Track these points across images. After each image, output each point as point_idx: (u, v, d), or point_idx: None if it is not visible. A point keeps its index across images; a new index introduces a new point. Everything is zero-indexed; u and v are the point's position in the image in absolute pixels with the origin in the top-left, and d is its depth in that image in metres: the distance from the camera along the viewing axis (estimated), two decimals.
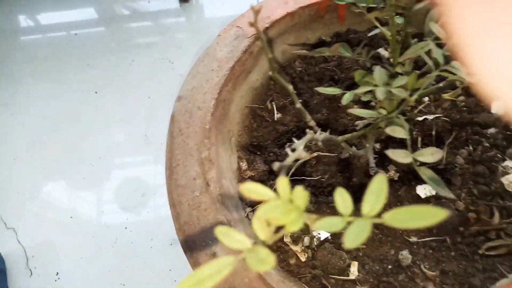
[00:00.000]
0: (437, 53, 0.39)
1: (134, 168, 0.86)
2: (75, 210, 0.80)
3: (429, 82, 0.44)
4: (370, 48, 0.60)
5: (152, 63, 0.95)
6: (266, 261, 0.19)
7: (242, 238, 0.21)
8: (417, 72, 0.41)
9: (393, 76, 0.48)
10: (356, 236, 0.20)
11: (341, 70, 0.60)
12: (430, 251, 0.51)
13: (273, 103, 0.61)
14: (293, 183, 0.54)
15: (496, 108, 0.57)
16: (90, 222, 0.78)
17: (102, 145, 0.87)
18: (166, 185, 0.52)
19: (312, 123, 0.42)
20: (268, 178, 0.55)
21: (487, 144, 0.54)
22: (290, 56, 0.65)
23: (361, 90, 0.37)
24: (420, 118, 0.56)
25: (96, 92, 0.93)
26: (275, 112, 0.60)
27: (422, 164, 0.36)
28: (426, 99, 0.58)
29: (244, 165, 0.56)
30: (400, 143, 0.55)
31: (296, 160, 0.55)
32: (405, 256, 0.50)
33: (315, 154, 0.55)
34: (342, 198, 0.23)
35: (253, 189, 0.21)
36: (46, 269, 0.73)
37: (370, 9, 0.48)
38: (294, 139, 0.34)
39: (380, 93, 0.35)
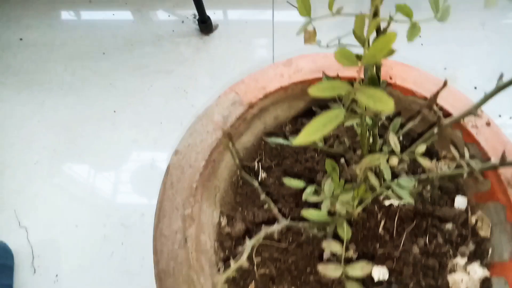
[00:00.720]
0: (385, 169, 0.45)
1: (137, 190, 0.94)
2: (80, 221, 0.90)
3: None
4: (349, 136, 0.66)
5: (168, 91, 1.04)
6: None
7: None
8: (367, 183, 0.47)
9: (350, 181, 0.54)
10: None
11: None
12: None
13: (259, 163, 0.68)
14: (265, 247, 0.61)
15: (459, 203, 0.62)
16: (92, 234, 0.88)
17: (114, 162, 0.97)
18: (153, 232, 0.60)
19: (275, 210, 0.48)
20: (243, 236, 0.62)
21: (442, 239, 0.59)
22: (282, 120, 0.71)
23: (310, 198, 0.44)
24: (387, 203, 0.61)
25: (114, 111, 1.02)
26: (261, 172, 0.67)
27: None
28: None
29: (224, 221, 0.63)
30: (368, 228, 0.61)
31: (267, 223, 0.62)
32: None
33: (285, 223, 0.61)
34: None
35: None
36: (47, 269, 0.83)
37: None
38: (247, 240, 0.41)
39: (324, 207, 0.42)
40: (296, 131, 0.70)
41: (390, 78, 0.66)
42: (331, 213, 0.49)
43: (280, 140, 0.56)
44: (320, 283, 0.58)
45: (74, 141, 0.98)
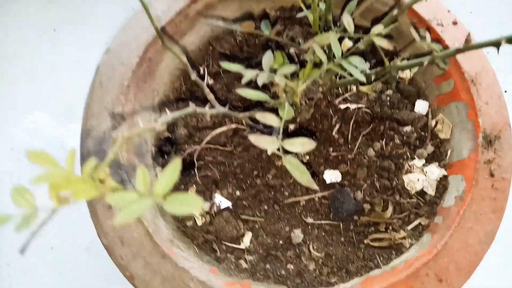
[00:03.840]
0: (335, 46, 0.39)
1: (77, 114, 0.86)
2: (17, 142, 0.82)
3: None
4: (301, 28, 0.59)
5: (116, 8, 0.93)
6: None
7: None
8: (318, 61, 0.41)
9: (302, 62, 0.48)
10: (132, 211, 0.22)
11: (277, 45, 0.60)
12: (323, 233, 0.53)
13: (206, 69, 0.61)
14: (208, 151, 0.55)
15: (419, 107, 0.57)
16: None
17: (53, 85, 0.88)
18: (80, 138, 0.53)
19: (210, 96, 0.42)
20: (184, 142, 0.56)
21: (399, 141, 0.55)
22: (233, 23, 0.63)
23: (249, 74, 0.38)
24: (342, 106, 0.56)
25: (54, 30, 0.92)
26: (206, 77, 0.60)
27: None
28: (354, 88, 0.58)
29: (163, 126, 0.57)
30: (321, 131, 0.56)
31: (212, 128, 0.56)
32: (297, 234, 0.52)
33: (233, 126, 0.56)
34: (142, 176, 0.24)
35: (40, 156, 0.21)
36: None
37: None
38: (167, 110, 0.34)
39: (260, 79, 0.36)
40: (250, 38, 0.63)
41: None
42: (275, 96, 0.43)
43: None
44: (267, 186, 0.54)
45: (10, 63, 0.88)
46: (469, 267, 0.48)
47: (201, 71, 0.61)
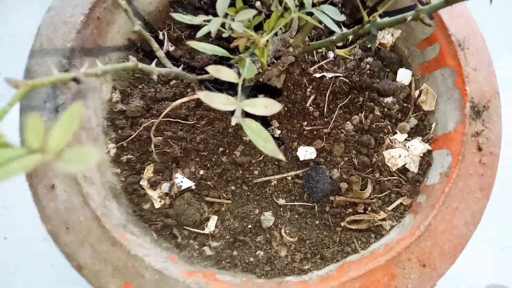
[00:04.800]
0: None
1: None
2: None
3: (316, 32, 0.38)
4: None
5: None
6: None
7: None
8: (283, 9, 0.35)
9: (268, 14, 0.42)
10: (10, 170, 0.16)
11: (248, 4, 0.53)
12: (296, 216, 0.48)
13: (166, 34, 0.54)
14: (168, 125, 0.49)
15: (402, 76, 0.52)
16: None
17: (5, 62, 0.79)
18: (19, 111, 0.46)
19: (160, 53, 0.36)
20: (141, 115, 0.49)
21: (379, 114, 0.50)
22: None
23: (196, 20, 0.31)
24: (318, 75, 0.50)
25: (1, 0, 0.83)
26: (167, 43, 0.54)
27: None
28: (331, 55, 0.52)
29: (116, 96, 0.50)
30: (294, 102, 0.50)
31: (172, 100, 0.49)
32: (268, 217, 0.47)
33: (196, 96, 0.49)
34: (34, 127, 0.17)
35: None
36: None
37: None
38: (98, 62, 0.28)
39: (213, 25, 0.30)
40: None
41: None
42: (236, 52, 0.37)
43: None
44: (234, 163, 0.48)
45: None
46: (454, 251, 0.43)
47: (161, 36, 0.54)
